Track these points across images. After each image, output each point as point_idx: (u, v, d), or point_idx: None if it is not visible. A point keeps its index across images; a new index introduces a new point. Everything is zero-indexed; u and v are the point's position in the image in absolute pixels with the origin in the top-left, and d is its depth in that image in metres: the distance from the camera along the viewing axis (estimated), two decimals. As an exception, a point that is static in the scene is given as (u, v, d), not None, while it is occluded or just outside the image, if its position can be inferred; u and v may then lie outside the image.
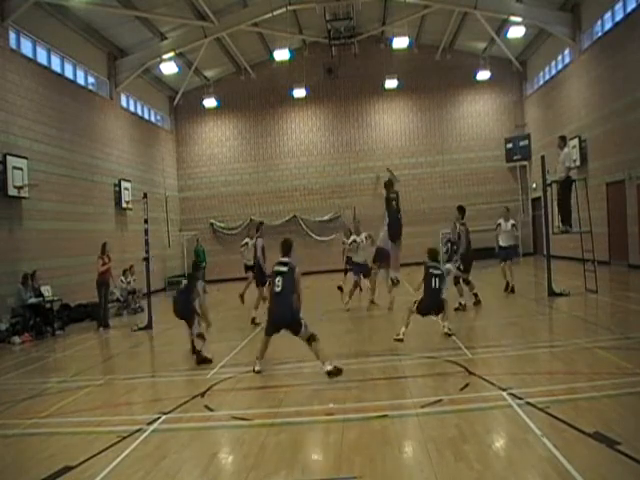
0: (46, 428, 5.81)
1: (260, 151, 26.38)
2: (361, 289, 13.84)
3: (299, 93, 24.33)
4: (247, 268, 13.03)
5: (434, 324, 9.24)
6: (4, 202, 13.30)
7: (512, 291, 12.76)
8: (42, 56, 15.87)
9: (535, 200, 23.69)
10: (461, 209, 11.69)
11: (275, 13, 19.70)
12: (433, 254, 8.95)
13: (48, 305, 13.26)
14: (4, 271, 13.05)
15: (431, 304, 8.59)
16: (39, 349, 11.43)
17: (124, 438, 5.18)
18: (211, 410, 5.92)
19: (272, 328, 7.26)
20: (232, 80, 26.05)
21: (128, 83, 20.40)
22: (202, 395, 6.47)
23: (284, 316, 7.08)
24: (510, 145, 24.88)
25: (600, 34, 17.58)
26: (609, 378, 5.81)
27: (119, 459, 4.71)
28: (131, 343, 11.33)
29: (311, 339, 6.97)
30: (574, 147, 18.31)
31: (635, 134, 15.36)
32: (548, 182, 12.68)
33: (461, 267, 11.33)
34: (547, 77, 22.52)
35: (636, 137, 15.32)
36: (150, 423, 5.57)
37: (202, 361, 8.09)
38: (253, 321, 11.15)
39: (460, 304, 11.06)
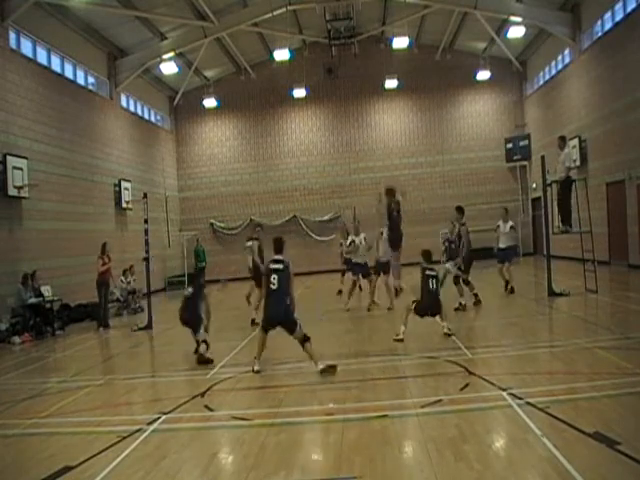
0: (46, 428, 5.81)
1: (260, 151, 26.38)
2: (361, 288, 13.84)
3: (299, 93, 24.33)
4: (249, 270, 13.04)
5: (434, 324, 9.24)
6: (4, 202, 13.30)
7: (512, 291, 12.75)
8: (42, 56, 15.87)
9: (535, 200, 23.69)
10: (460, 209, 11.69)
11: (275, 13, 19.70)
12: (427, 256, 8.99)
13: (48, 305, 13.26)
14: (4, 271, 13.05)
15: (429, 305, 8.61)
16: (39, 349, 11.42)
17: (124, 438, 5.18)
18: (211, 410, 5.92)
19: (268, 324, 7.32)
20: (232, 80, 26.05)
21: (128, 83, 20.40)
22: (202, 395, 6.47)
23: (280, 313, 7.18)
24: (510, 145, 24.88)
25: (600, 34, 17.58)
26: (609, 378, 5.81)
27: (119, 459, 4.71)
28: (131, 343, 11.33)
29: (305, 340, 7.07)
30: (574, 147, 18.31)
31: (635, 134, 15.36)
32: (548, 182, 12.68)
33: (461, 267, 11.32)
34: (547, 77, 22.52)
35: (636, 137, 15.32)
36: (150, 423, 5.57)
37: (204, 362, 8.10)
38: (253, 322, 11.14)
39: (460, 304, 11.06)
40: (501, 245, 13.18)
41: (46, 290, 13.76)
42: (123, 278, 16.30)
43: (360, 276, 12.78)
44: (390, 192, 11.10)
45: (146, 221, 12.92)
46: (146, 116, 23.66)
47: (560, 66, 21.01)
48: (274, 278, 7.22)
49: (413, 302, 8.75)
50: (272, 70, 25.50)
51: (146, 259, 12.94)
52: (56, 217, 15.55)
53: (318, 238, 25.05)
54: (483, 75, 23.92)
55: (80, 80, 18.02)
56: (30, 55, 15.22)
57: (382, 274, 12.37)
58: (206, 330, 8.57)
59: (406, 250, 10.96)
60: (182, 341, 9.36)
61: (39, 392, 7.40)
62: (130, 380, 7.80)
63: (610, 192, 17.14)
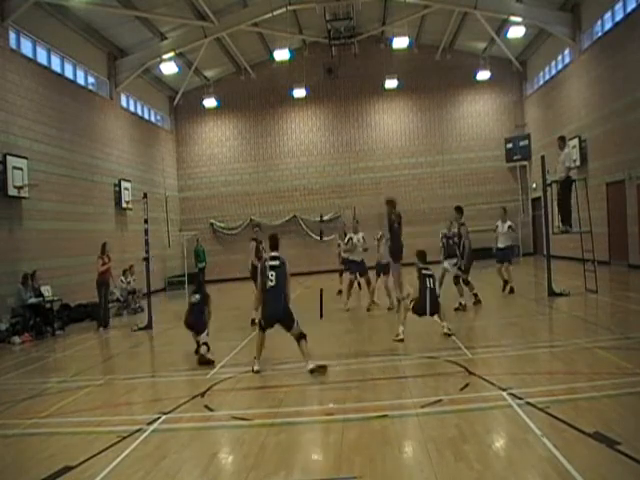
0: (46, 428, 5.81)
1: (260, 151, 26.38)
2: (360, 286, 13.78)
3: (299, 93, 24.33)
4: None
5: (434, 324, 9.25)
6: (4, 202, 13.30)
7: (512, 291, 12.76)
8: (42, 56, 15.88)
9: (535, 200, 23.69)
10: (459, 209, 11.68)
11: (275, 13, 19.71)
12: (422, 256, 9.03)
13: (48, 305, 13.26)
14: (4, 271, 13.06)
15: (427, 304, 8.61)
16: (39, 349, 11.42)
17: (124, 438, 5.18)
18: (211, 410, 5.92)
19: (266, 322, 7.33)
20: (232, 80, 26.05)
21: (128, 83, 20.40)
22: (202, 395, 6.47)
23: (278, 310, 7.22)
24: (510, 145, 24.88)
25: (600, 34, 17.58)
26: (609, 378, 5.81)
27: (119, 459, 4.71)
28: (131, 343, 11.33)
29: (301, 337, 7.12)
30: (574, 147, 18.31)
31: (635, 134, 15.36)
32: (548, 182, 12.69)
33: (462, 267, 11.32)
34: (547, 77, 22.52)
35: (636, 137, 15.32)
36: (150, 423, 5.57)
37: (205, 362, 8.11)
38: (253, 322, 11.13)
39: (460, 304, 11.06)
40: (499, 245, 13.21)
41: (46, 290, 13.76)
42: (123, 278, 16.31)
43: (357, 275, 12.75)
44: (390, 203, 11.13)
45: (146, 221, 12.92)
46: (146, 116, 23.65)
47: (560, 66, 21.01)
48: (272, 275, 7.25)
49: (411, 301, 8.75)
50: (272, 70, 25.51)
51: (146, 259, 12.94)
52: (56, 217, 15.55)
53: (318, 238, 24.98)
54: (483, 75, 23.92)
55: (80, 80, 18.02)
56: (30, 55, 15.22)
57: (382, 275, 12.39)
58: (207, 333, 8.64)
59: (407, 250, 10.95)
60: (182, 341, 9.37)
61: (39, 392, 7.40)
62: (130, 380, 7.80)
63: (610, 192, 17.14)
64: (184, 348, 9.12)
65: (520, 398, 5.33)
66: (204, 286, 9.23)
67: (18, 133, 14.12)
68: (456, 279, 11.44)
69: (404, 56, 24.16)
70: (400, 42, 21.63)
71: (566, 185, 12.25)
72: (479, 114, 25.61)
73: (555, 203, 12.75)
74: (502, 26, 21.23)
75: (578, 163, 17.03)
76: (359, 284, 13.80)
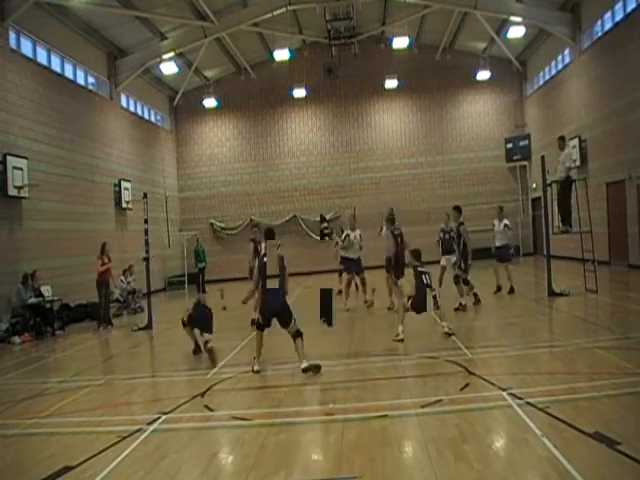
0: (46, 428, 5.81)
1: (260, 151, 26.38)
2: (357, 287, 13.69)
3: (299, 93, 24.33)
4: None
5: (434, 324, 9.26)
6: (4, 202, 13.30)
7: (511, 291, 12.75)
8: (42, 56, 15.88)
9: (535, 200, 23.69)
10: (458, 209, 11.68)
11: (275, 13, 19.71)
12: (417, 254, 9.08)
13: (48, 305, 13.26)
14: (4, 271, 13.06)
15: (424, 300, 8.64)
16: (39, 349, 11.42)
17: (124, 438, 5.18)
18: (211, 410, 5.92)
19: (264, 317, 7.32)
20: (232, 80, 26.05)
21: (128, 83, 20.40)
22: (202, 395, 6.47)
23: (277, 304, 7.22)
24: (510, 145, 24.88)
25: (600, 34, 17.58)
26: (609, 378, 5.81)
27: (119, 459, 4.71)
28: (131, 343, 11.33)
29: (298, 335, 7.13)
30: (574, 147, 18.32)
31: (635, 134, 15.36)
32: (548, 182, 12.69)
33: (462, 266, 11.32)
34: (547, 77, 22.52)
35: (636, 137, 15.32)
36: (150, 423, 5.57)
37: (213, 357, 8.12)
38: (253, 322, 11.13)
39: (460, 304, 11.06)
40: (497, 244, 13.26)
41: (46, 290, 13.76)
42: (123, 278, 16.31)
43: (354, 274, 12.69)
44: (390, 220, 11.18)
45: (146, 221, 12.92)
46: (146, 116, 23.66)
47: (560, 66, 21.01)
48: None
49: (408, 299, 8.76)
50: (272, 70, 25.51)
51: (146, 259, 12.94)
52: (56, 217, 15.55)
53: (318, 238, 24.97)
54: (483, 75, 23.92)
55: (80, 80, 18.02)
56: (30, 55, 15.22)
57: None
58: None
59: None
60: (182, 341, 9.36)
61: (39, 392, 7.40)
62: (130, 380, 7.81)
63: (610, 192, 17.14)
64: (184, 348, 9.12)
65: (520, 398, 5.33)
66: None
67: (18, 133, 14.12)
68: (456, 278, 11.44)
69: (404, 56, 24.16)
70: (400, 42, 21.64)
71: (566, 185, 12.25)
72: (479, 114, 25.61)
73: (555, 203, 12.75)
74: (502, 26, 21.23)
75: (578, 163, 17.04)
76: (356, 285, 13.75)
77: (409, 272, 9.53)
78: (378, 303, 12.35)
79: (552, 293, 11.89)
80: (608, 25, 17.06)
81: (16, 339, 12.10)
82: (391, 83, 23.97)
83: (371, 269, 13.29)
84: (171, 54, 20.55)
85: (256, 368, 7.32)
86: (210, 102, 24.67)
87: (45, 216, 15.02)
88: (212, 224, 26.01)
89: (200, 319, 8.69)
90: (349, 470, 4.18)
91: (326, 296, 7.87)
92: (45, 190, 14.89)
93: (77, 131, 17.14)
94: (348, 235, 12.71)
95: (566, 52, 20.26)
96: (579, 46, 18.91)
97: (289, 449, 4.70)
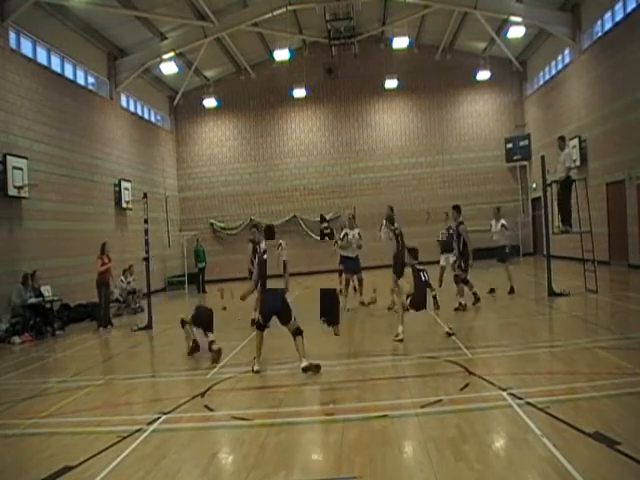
0: (46, 428, 5.81)
1: (260, 151, 26.38)
2: (355, 289, 13.62)
3: (299, 93, 24.33)
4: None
5: (434, 324, 9.26)
6: (4, 202, 13.30)
7: (511, 291, 12.75)
8: (42, 56, 15.87)
9: (535, 200, 23.68)
10: (457, 208, 11.67)
11: (275, 13, 19.71)
12: (415, 253, 9.14)
13: (48, 305, 13.26)
14: (4, 271, 13.06)
15: (423, 297, 8.66)
16: (39, 349, 11.42)
17: (124, 438, 5.18)
18: (211, 410, 5.92)
19: (264, 316, 7.31)
20: (232, 80, 26.05)
21: (128, 83, 20.40)
22: (202, 395, 6.47)
23: (277, 301, 7.22)
24: (510, 145, 24.88)
25: (600, 34, 17.58)
26: (609, 378, 5.81)
27: (119, 459, 4.71)
28: (131, 343, 11.33)
29: (298, 332, 7.12)
30: (574, 147, 18.31)
31: (635, 134, 15.36)
32: (548, 182, 12.69)
33: (462, 266, 11.33)
34: (547, 77, 22.52)
35: (636, 137, 15.32)
36: (150, 423, 5.57)
37: (217, 353, 8.23)
38: (253, 322, 11.13)
39: (460, 304, 11.06)
40: (495, 244, 13.26)
41: (46, 290, 13.76)
42: (123, 278, 16.30)
43: (352, 273, 12.66)
44: (389, 219, 11.18)
45: (146, 221, 12.92)
46: (146, 116, 23.65)
47: (560, 66, 21.01)
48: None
49: (407, 297, 8.77)
50: (272, 70, 25.51)
51: (146, 259, 12.94)
52: (56, 217, 15.55)
53: (318, 238, 24.97)
54: (483, 75, 23.92)
55: (80, 80, 18.02)
56: (30, 55, 15.22)
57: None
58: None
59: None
60: (182, 341, 9.36)
61: (39, 392, 7.40)
62: (130, 380, 7.81)
63: (610, 192, 17.14)
64: (184, 348, 9.13)
65: (520, 398, 5.33)
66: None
67: (18, 133, 14.12)
68: (456, 278, 11.44)
69: (404, 56, 24.16)
70: (400, 42, 21.65)
71: (566, 185, 12.25)
72: (479, 114, 25.61)
73: (555, 203, 12.75)
74: (502, 26, 21.23)
75: (578, 163, 17.03)
76: (355, 287, 13.70)
77: (408, 271, 9.54)
78: (380, 302, 12.34)
79: (552, 293, 11.89)
80: (608, 25, 17.06)
81: (16, 339, 12.10)
82: (391, 83, 23.97)
83: (371, 269, 13.29)
84: (171, 54, 20.55)
85: (256, 368, 7.32)
86: (210, 102, 24.67)
87: (45, 216, 15.02)
88: (212, 224, 26.01)
89: (201, 318, 8.77)
90: (349, 470, 4.18)
91: (329, 296, 7.80)
92: (45, 190, 14.89)
93: (77, 131, 17.14)
94: (347, 234, 12.71)
95: (566, 52, 20.26)
96: (579, 46, 18.91)
97: (289, 449, 4.70)
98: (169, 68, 20.78)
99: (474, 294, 11.50)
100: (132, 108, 22.21)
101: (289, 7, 19.69)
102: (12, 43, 14.36)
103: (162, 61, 20.55)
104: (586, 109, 18.63)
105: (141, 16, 18.44)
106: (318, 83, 25.34)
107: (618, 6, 16.38)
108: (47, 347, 11.66)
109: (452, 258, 11.96)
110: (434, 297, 10.88)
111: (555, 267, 13.10)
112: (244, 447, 4.83)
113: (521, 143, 24.56)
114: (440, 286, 12.60)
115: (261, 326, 7.36)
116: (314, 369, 6.92)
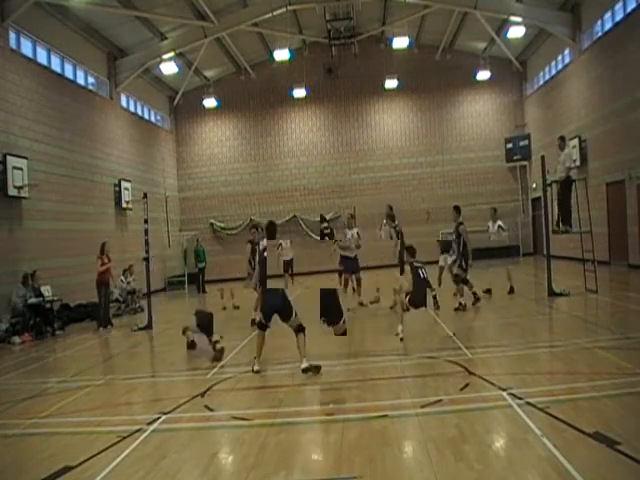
0: (46, 428, 5.81)
1: (260, 151, 26.38)
2: (354, 289, 13.57)
3: (299, 93, 24.33)
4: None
5: (434, 324, 9.26)
6: (4, 202, 13.30)
7: (511, 291, 12.75)
8: (42, 56, 15.87)
9: (535, 200, 23.68)
10: (457, 209, 11.68)
11: (275, 13, 19.71)
12: (412, 251, 9.23)
13: (48, 305, 13.25)
14: (4, 271, 13.05)
15: (423, 295, 8.66)
16: (39, 349, 11.42)
17: (124, 438, 5.18)
18: (211, 410, 5.92)
19: (265, 314, 7.30)
20: (232, 80, 26.05)
21: (128, 83, 20.40)
22: (202, 395, 6.47)
23: (277, 299, 7.22)
24: (510, 145, 24.88)
25: (600, 34, 17.58)
26: (609, 378, 5.81)
27: (119, 459, 4.71)
28: (131, 343, 11.33)
29: (300, 329, 7.10)
30: (574, 147, 18.31)
31: (635, 134, 15.36)
32: (548, 182, 12.69)
33: (463, 265, 11.33)
34: (547, 77, 22.52)
35: (636, 137, 15.32)
36: (150, 423, 5.57)
37: (219, 352, 8.30)
38: (253, 322, 11.13)
39: (460, 304, 11.05)
40: (492, 245, 13.27)
41: (46, 290, 13.75)
42: (123, 278, 16.30)
43: (350, 273, 12.65)
44: (389, 217, 11.19)
45: (146, 221, 12.92)
46: (146, 116, 23.65)
47: (560, 66, 21.01)
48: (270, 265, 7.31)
49: (406, 295, 8.77)
50: (272, 70, 25.51)
51: (146, 259, 12.94)
52: (56, 217, 15.55)
53: (318, 238, 24.93)
54: (483, 75, 23.92)
55: (80, 80, 18.02)
56: (30, 55, 15.22)
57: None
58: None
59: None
60: (182, 341, 9.37)
61: (39, 392, 7.40)
62: (130, 380, 7.80)
63: (610, 192, 17.14)
64: (184, 348, 9.13)
65: (520, 398, 5.33)
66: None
67: (18, 133, 14.12)
68: (456, 278, 11.45)
69: (404, 56, 24.16)
70: (400, 42, 21.65)
71: (566, 185, 12.26)
72: (479, 114, 25.61)
73: (555, 203, 12.75)
74: (502, 26, 21.23)
75: (578, 163, 17.03)
76: (354, 288, 13.65)
77: (407, 270, 9.55)
78: (382, 301, 12.34)
79: (552, 293, 11.89)
80: (608, 25, 17.06)
81: (16, 339, 12.09)
82: (391, 83, 23.97)
83: (372, 269, 13.29)
84: (171, 54, 20.55)
85: (256, 368, 7.31)
86: (210, 102, 24.67)
87: (45, 216, 15.02)
88: (212, 224, 26.01)
89: (201, 323, 8.90)
90: (349, 470, 4.18)
91: (329, 296, 7.70)
92: (45, 190, 14.88)
93: (77, 131, 17.14)
94: (345, 234, 12.72)
95: (566, 52, 20.26)
96: (579, 46, 18.91)
97: (289, 449, 4.70)
98: (169, 68, 20.78)
99: (474, 294, 11.50)
100: (132, 108, 22.21)
101: (289, 7, 19.69)
102: (12, 43, 14.36)
103: (162, 61, 20.55)
104: (586, 109, 18.63)
105: (141, 16, 18.44)
106: (318, 83, 25.33)
107: (618, 6, 16.38)
108: (47, 347, 11.66)
109: (450, 258, 11.97)
110: (434, 297, 10.92)
111: (555, 267, 13.09)
112: (244, 447, 4.82)
113: (521, 143, 24.56)
114: (439, 286, 12.60)
115: (262, 325, 7.35)
116: (314, 370, 6.90)
